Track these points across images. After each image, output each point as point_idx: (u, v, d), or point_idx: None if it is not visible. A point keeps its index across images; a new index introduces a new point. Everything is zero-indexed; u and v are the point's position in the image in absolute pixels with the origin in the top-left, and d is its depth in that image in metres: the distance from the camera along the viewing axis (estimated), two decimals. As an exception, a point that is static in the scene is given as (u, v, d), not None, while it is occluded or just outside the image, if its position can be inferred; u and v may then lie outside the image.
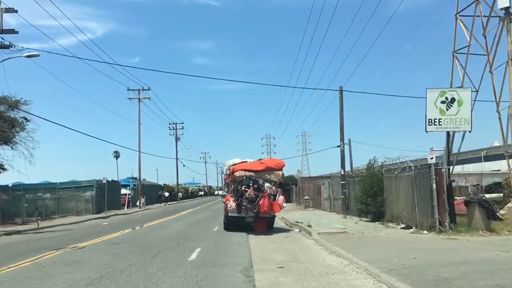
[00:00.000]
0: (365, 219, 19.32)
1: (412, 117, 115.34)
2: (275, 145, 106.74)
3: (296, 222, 19.82)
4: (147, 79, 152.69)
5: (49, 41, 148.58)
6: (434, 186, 13.87)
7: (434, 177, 13.88)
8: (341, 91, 24.30)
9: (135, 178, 67.53)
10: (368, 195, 18.47)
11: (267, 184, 15.88)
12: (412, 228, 15.07)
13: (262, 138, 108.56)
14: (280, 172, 16.64)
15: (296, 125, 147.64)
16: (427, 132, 14.58)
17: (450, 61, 21.01)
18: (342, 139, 24.43)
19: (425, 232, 13.93)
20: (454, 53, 20.88)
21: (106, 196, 37.76)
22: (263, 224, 16.23)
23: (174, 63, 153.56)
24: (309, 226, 16.90)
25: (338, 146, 48.76)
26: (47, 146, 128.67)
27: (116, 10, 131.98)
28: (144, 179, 78.63)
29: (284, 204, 16.65)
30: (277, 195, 15.98)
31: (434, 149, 14.11)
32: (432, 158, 14.08)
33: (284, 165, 17.22)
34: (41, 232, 20.55)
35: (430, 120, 14.45)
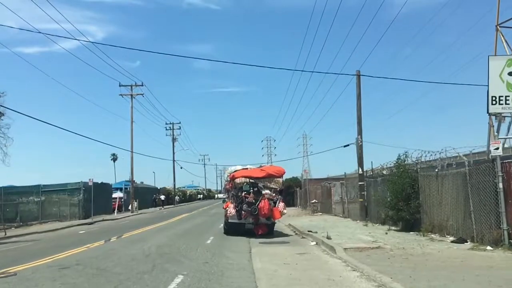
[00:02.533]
0: (395, 228, 15.67)
1: (429, 112, 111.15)
2: (275, 148, 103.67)
3: (309, 231, 16.19)
4: (147, 81, 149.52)
5: (48, 44, 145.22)
6: (501, 185, 10.30)
7: (500, 173, 10.31)
8: (358, 76, 20.65)
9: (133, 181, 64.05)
10: (400, 198, 14.83)
11: (267, 191, 15.71)
12: (467, 241, 11.45)
13: (262, 141, 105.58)
14: (280, 180, 16.52)
15: (297, 127, 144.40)
16: (489, 114, 11.04)
17: (492, 36, 17.44)
18: (360, 132, 20.74)
19: (489, 248, 10.32)
20: (498, 26, 17.28)
21: (92, 199, 34.20)
22: (263, 228, 15.69)
23: (175, 66, 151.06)
24: (328, 237, 13.27)
25: (345, 146, 45.20)
26: (44, 149, 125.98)
27: (116, 13, 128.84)
28: (142, 182, 75.28)
29: (285, 211, 16.32)
30: (277, 202, 15.68)
31: (500, 137, 10.51)
32: (497, 149, 10.50)
33: (284, 173, 17.00)
34: (1, 244, 17.00)
35: (493, 98, 10.86)
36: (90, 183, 34.12)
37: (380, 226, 17.62)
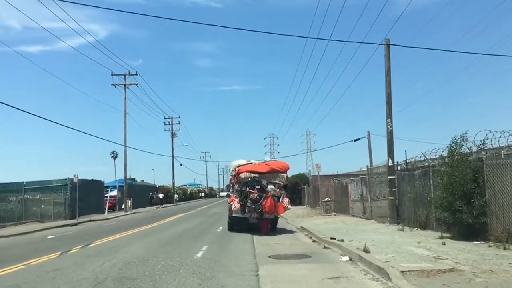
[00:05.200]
0: (448, 235, 11.85)
1: (441, 106, 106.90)
2: (278, 145, 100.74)
3: (332, 238, 12.42)
4: (149, 79, 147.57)
5: (51, 43, 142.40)
6: None
7: None
8: (387, 45, 16.79)
9: (133, 179, 60.55)
10: (457, 196, 11.01)
11: (271, 186, 15.64)
12: None
13: (265, 138, 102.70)
14: (284, 175, 16.45)
15: (301, 123, 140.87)
16: None
17: None
18: (389, 114, 16.82)
19: None
20: None
21: (77, 198, 30.62)
22: (267, 225, 15.62)
23: (177, 65, 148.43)
24: (366, 251, 9.46)
25: (356, 140, 41.12)
26: (44, 147, 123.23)
27: (118, 12, 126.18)
28: (143, 180, 71.68)
29: (289, 206, 16.23)
30: (281, 197, 15.65)
31: None
32: None
33: (288, 168, 16.85)
34: None
35: None
36: (75, 180, 30.39)
37: (421, 231, 13.84)
